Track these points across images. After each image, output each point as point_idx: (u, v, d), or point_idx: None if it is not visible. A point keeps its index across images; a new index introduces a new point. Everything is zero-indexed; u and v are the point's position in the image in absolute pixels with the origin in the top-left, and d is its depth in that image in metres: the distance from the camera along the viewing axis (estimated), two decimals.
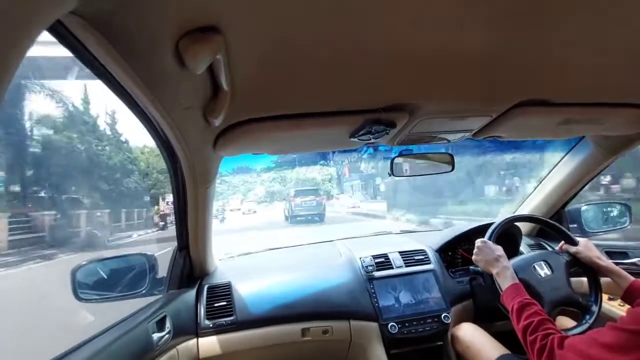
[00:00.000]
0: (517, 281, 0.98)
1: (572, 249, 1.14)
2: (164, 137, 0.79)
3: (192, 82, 0.60)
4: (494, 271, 1.03)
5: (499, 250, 1.08)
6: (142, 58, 0.50)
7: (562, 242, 1.20)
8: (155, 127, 0.75)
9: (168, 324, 1.02)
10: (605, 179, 8.27)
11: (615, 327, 0.69)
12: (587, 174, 1.43)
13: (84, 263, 1.08)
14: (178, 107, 0.66)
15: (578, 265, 1.13)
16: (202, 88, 0.63)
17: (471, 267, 1.21)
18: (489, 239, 1.15)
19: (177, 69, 0.52)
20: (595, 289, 1.09)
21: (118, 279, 1.13)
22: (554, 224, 1.27)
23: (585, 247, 1.12)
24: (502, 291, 0.99)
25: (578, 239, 1.17)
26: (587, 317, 1.03)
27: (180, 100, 0.64)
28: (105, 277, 1.11)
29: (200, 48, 0.49)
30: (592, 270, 1.10)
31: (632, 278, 0.98)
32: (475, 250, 1.12)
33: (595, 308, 1.04)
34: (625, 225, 1.61)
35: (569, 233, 1.22)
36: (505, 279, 0.99)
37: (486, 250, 1.09)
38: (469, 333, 1.21)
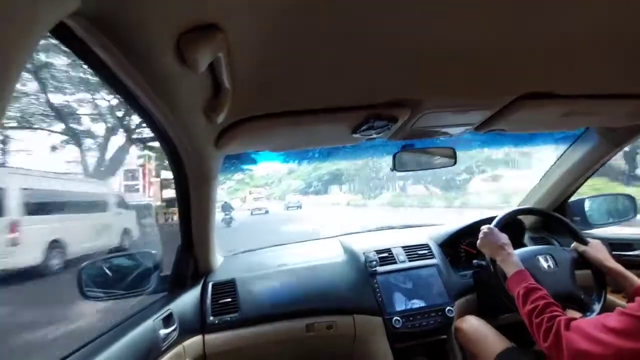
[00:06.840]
0: (522, 267, 0.97)
1: (581, 247, 1.14)
2: (166, 135, 0.79)
3: (193, 81, 0.60)
4: (498, 258, 1.03)
5: (504, 238, 1.07)
6: (143, 57, 0.50)
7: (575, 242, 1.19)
8: (158, 125, 0.75)
9: (174, 321, 1.03)
10: None
11: (623, 312, 0.69)
12: (592, 166, 1.42)
13: (90, 261, 1.09)
14: (180, 106, 0.66)
15: (585, 263, 1.12)
16: (203, 86, 0.63)
17: (475, 261, 1.21)
18: (496, 226, 1.14)
19: (178, 67, 0.52)
20: (600, 289, 1.08)
21: (124, 277, 1.14)
22: (565, 221, 1.25)
23: (595, 247, 1.11)
24: (506, 279, 0.98)
25: (589, 239, 1.16)
26: (588, 314, 1.02)
27: (182, 98, 0.64)
28: (111, 275, 1.12)
29: (201, 46, 0.48)
30: (599, 271, 1.09)
31: (639, 281, 0.97)
32: (480, 235, 1.11)
33: (597, 307, 1.04)
34: (629, 217, 1.59)
35: (579, 231, 1.21)
36: (510, 266, 0.98)
37: (491, 236, 1.08)
38: (473, 326, 1.21)
